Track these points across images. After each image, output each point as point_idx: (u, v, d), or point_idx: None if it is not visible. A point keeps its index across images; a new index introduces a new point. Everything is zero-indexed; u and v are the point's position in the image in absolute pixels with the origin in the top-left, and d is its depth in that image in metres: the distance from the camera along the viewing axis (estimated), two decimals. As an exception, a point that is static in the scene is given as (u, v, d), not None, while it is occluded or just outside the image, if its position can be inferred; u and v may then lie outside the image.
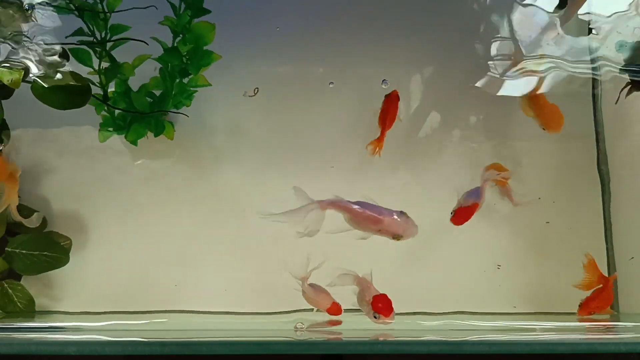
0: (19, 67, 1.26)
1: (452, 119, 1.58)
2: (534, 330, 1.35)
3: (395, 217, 1.16)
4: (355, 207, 1.17)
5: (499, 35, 1.60)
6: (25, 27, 1.33)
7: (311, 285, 1.27)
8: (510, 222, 1.51)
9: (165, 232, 1.48)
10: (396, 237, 1.16)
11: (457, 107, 1.59)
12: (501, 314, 1.44)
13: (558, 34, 1.60)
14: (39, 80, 1.25)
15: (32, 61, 1.29)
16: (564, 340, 1.20)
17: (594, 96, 1.58)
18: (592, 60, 1.58)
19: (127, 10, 1.33)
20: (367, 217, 1.16)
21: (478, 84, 1.57)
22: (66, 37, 1.31)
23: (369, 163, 1.53)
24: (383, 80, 1.53)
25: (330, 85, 1.56)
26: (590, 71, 1.59)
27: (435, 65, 1.61)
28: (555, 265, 1.47)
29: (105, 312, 1.41)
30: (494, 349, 1.03)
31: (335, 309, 1.26)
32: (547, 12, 1.59)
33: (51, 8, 1.35)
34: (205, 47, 1.37)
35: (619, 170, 1.53)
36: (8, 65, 1.26)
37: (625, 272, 1.46)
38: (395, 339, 1.22)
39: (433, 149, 1.56)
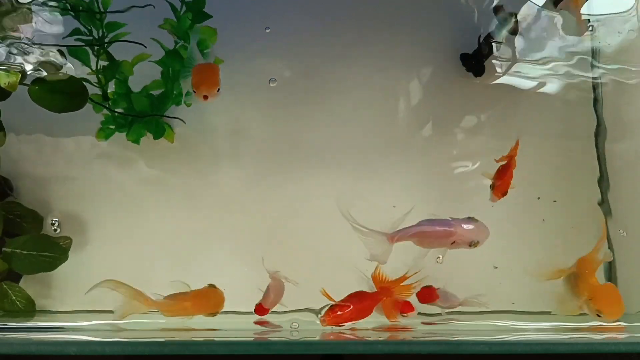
0: (16, 70, 1.25)
1: (451, 119, 1.58)
2: (533, 330, 1.34)
3: (466, 225, 1.08)
4: (423, 228, 1.09)
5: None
6: (22, 29, 1.33)
7: None
8: (510, 222, 1.50)
9: (165, 232, 1.48)
10: (473, 244, 1.08)
11: (456, 106, 1.59)
12: (501, 314, 1.44)
13: (558, 34, 1.60)
14: (36, 83, 1.24)
15: (29, 63, 1.28)
16: (563, 340, 1.20)
17: (594, 96, 1.58)
18: (592, 61, 1.58)
19: (125, 10, 1.33)
20: (438, 234, 1.08)
21: (478, 82, 1.57)
22: (63, 38, 1.30)
23: (369, 163, 1.53)
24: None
25: (331, 84, 1.56)
26: (590, 71, 1.59)
27: (434, 65, 1.61)
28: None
29: (105, 312, 1.41)
30: (494, 349, 1.03)
31: None
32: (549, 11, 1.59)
33: (48, 9, 1.35)
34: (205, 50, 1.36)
35: (619, 170, 1.53)
36: (5, 67, 1.25)
37: (625, 272, 1.46)
38: (395, 339, 1.22)
39: (432, 148, 1.56)
